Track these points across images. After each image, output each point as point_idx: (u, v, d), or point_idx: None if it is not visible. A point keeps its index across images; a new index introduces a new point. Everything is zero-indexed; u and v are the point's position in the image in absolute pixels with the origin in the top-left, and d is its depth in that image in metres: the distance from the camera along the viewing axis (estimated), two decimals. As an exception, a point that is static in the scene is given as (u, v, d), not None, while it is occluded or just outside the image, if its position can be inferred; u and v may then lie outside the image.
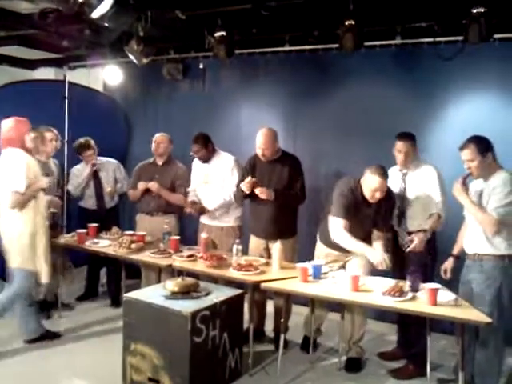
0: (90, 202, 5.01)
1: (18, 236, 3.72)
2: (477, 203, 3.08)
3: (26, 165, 3.71)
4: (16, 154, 3.75)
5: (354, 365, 3.75)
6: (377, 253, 3.41)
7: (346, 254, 3.66)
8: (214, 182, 4.34)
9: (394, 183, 3.71)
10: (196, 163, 4.50)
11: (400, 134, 3.67)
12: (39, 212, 3.83)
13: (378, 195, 3.43)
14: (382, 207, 3.54)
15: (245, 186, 3.87)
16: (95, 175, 4.98)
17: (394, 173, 3.74)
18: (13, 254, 3.75)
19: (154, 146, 4.67)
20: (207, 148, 4.30)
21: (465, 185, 3.13)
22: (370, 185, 3.42)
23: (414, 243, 3.46)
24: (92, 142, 4.96)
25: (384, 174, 3.40)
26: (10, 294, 3.78)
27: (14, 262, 3.76)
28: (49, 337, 4.01)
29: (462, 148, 3.12)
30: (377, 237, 3.60)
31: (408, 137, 3.64)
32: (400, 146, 3.63)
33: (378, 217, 3.56)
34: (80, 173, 4.99)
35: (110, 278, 5.04)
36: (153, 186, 4.55)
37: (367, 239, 3.57)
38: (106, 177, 5.03)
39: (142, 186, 4.61)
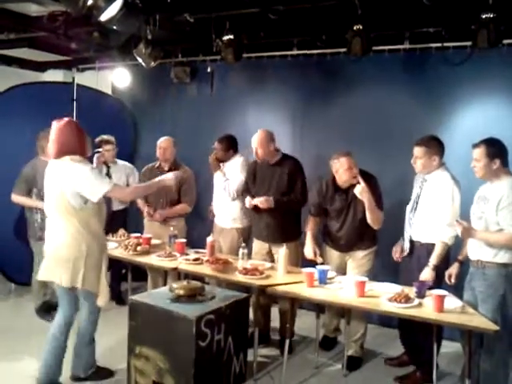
0: None
1: None
2: (487, 231, 3.06)
3: None
4: None
5: (351, 363, 3.79)
6: (307, 247, 3.81)
7: (346, 254, 3.80)
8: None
9: (416, 188, 3.66)
10: (216, 175, 4.51)
11: (419, 139, 3.58)
12: None
13: (344, 176, 3.63)
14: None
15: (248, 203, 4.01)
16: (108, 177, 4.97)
17: (417, 178, 3.68)
18: None
19: (159, 151, 4.67)
20: (227, 151, 4.42)
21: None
22: (334, 170, 3.70)
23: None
24: (114, 140, 4.99)
25: (345, 154, 3.63)
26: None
27: None
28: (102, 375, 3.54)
29: (474, 146, 3.16)
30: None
31: (422, 142, 3.53)
32: (414, 150, 3.56)
33: (356, 202, 3.66)
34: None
35: (113, 279, 5.02)
36: (155, 215, 4.60)
37: (359, 228, 3.70)
38: (117, 180, 4.96)
39: (146, 209, 4.71)
